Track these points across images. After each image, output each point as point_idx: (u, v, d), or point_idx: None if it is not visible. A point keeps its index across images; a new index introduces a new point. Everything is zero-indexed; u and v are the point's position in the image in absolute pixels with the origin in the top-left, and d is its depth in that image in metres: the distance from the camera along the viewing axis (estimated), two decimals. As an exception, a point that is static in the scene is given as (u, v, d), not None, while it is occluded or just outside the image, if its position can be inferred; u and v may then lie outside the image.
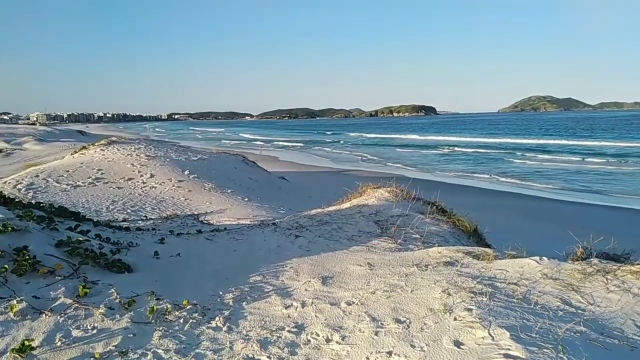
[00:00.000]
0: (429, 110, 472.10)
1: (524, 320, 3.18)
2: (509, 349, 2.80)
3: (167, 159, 17.31)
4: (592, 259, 4.37)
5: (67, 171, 14.70)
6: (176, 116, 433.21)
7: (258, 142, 66.12)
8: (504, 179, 27.82)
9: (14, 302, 3.70)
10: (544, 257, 4.45)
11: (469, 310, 3.38)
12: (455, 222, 7.43)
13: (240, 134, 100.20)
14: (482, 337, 2.99)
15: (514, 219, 15.54)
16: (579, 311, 3.36)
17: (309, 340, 3.46)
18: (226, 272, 5.05)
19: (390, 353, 3.08)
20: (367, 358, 3.10)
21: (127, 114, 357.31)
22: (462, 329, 3.15)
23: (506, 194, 22.43)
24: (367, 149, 54.70)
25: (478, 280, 4.00)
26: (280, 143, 65.16)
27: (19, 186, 12.71)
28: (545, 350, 2.76)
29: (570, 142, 55.07)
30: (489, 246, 6.79)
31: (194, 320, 3.81)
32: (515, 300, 3.56)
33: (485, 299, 3.55)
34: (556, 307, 3.43)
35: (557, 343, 2.83)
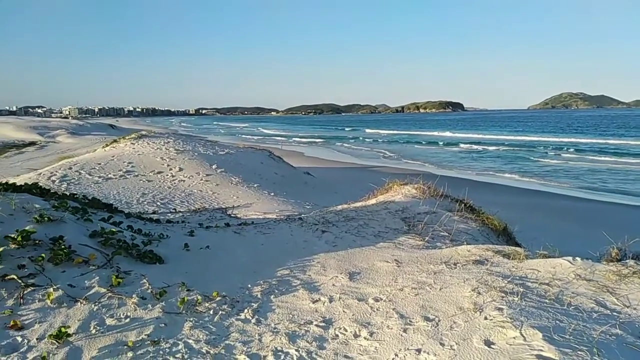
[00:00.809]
0: (457, 106, 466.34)
1: (557, 322, 3.12)
2: (541, 350, 2.75)
3: (196, 153, 17.55)
4: (627, 260, 4.26)
5: (99, 164, 15.06)
6: (204, 111, 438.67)
7: (278, 138, 66.30)
8: (532, 177, 27.27)
9: (51, 290, 3.82)
10: (577, 258, 4.36)
11: (500, 309, 3.33)
12: (484, 220, 7.33)
13: (262, 129, 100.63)
14: (514, 337, 2.95)
15: (543, 217, 15.23)
16: (615, 313, 3.27)
17: (337, 335, 3.47)
18: (254, 265, 5.10)
19: (419, 351, 3.07)
20: (396, 355, 3.09)
21: (156, 108, 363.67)
22: (493, 328, 3.11)
23: (535, 193, 22.00)
24: (390, 145, 54.22)
25: (509, 279, 3.94)
26: (302, 139, 64.81)
27: (53, 178, 13.08)
28: (579, 352, 2.70)
29: (602, 141, 53.51)
30: (519, 245, 6.68)
31: (224, 312, 3.86)
32: (547, 301, 3.49)
33: (516, 299, 3.50)
34: (590, 308, 3.36)
35: (592, 345, 2.77)
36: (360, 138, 67.76)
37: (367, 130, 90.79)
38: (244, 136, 72.28)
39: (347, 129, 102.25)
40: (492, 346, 2.93)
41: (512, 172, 30.02)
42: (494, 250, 5.04)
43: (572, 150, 43.91)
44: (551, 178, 26.91)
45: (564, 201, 19.77)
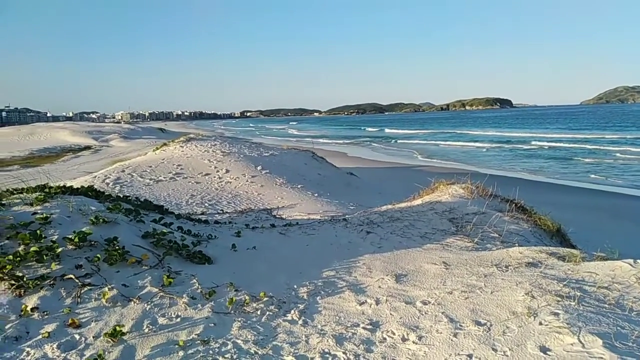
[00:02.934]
0: (505, 103, 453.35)
1: (618, 328, 2.96)
2: (602, 358, 2.62)
3: (241, 155, 17.84)
4: (694, 264, 3.99)
5: (150, 166, 15.56)
6: (248, 113, 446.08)
7: (308, 139, 65.96)
8: (584, 176, 26.09)
9: (106, 289, 3.97)
10: (638, 260, 4.12)
11: (556, 314, 3.19)
12: (536, 221, 7.07)
13: (292, 131, 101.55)
14: (571, 344, 2.82)
15: (598, 218, 14.56)
16: (682, 320, 3.07)
17: (385, 339, 3.42)
18: (299, 266, 5.12)
19: (470, 356, 2.98)
20: None
21: (203, 112, 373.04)
22: (549, 334, 2.98)
23: (588, 191, 21.05)
24: (422, 146, 51.90)
25: (564, 283, 3.77)
26: (332, 140, 63.83)
27: (107, 180, 13.62)
28: (644, 361, 2.55)
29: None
30: (573, 247, 6.41)
31: (271, 313, 3.89)
32: (607, 306, 3.32)
33: (573, 303, 3.35)
34: (655, 315, 3.17)
35: (658, 354, 2.61)
36: (392, 140, 64.86)
37: (393, 131, 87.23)
38: (276, 138, 71.75)
39: (369, 128, 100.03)
40: (548, 353, 2.81)
41: (562, 170, 28.85)
42: (547, 252, 4.84)
43: (625, 146, 41.62)
44: (604, 176, 25.63)
45: (619, 200, 18.81)
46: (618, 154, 36.24)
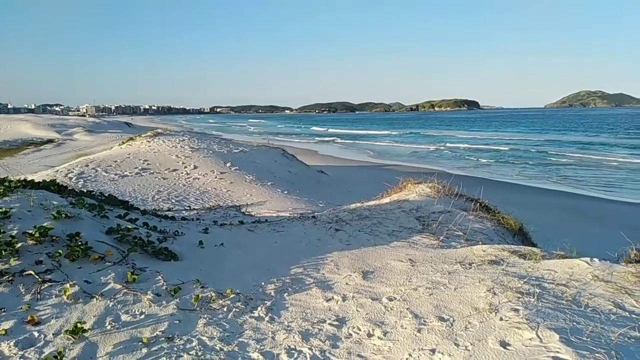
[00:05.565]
0: (472, 104, 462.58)
1: (574, 323, 3.08)
2: (558, 352, 2.71)
3: (210, 151, 17.64)
4: (647, 262, 4.18)
5: (115, 161, 15.22)
6: (218, 109, 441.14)
7: (270, 135, 65.84)
8: (548, 177, 26.89)
9: (67, 285, 3.87)
10: (594, 259, 4.29)
11: (516, 310, 3.30)
12: (499, 220, 7.26)
13: (249, 127, 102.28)
14: (530, 339, 2.91)
15: (559, 217, 15.04)
16: (634, 316, 3.22)
17: (351, 334, 3.46)
18: (267, 262, 5.11)
19: (433, 351, 3.04)
20: (410, 355, 3.07)
21: (172, 106, 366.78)
22: (509, 329, 3.07)
23: (551, 192, 21.70)
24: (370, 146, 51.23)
25: (525, 280, 3.89)
26: (295, 138, 63.84)
27: (70, 175, 13.25)
28: (597, 354, 2.65)
29: (621, 140, 52.51)
30: (535, 245, 6.60)
31: (237, 310, 3.87)
32: (564, 302, 3.44)
33: (532, 300, 3.46)
34: (608, 310, 3.30)
35: (610, 348, 2.72)
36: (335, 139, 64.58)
37: (337, 131, 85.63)
38: (234, 134, 70.84)
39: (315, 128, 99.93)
40: (507, 347, 2.90)
41: (529, 170, 29.63)
42: (509, 250, 4.98)
43: (593, 149, 43.04)
44: (573, 177, 26.47)
45: (580, 201, 19.48)
46: (581, 156, 37.45)
